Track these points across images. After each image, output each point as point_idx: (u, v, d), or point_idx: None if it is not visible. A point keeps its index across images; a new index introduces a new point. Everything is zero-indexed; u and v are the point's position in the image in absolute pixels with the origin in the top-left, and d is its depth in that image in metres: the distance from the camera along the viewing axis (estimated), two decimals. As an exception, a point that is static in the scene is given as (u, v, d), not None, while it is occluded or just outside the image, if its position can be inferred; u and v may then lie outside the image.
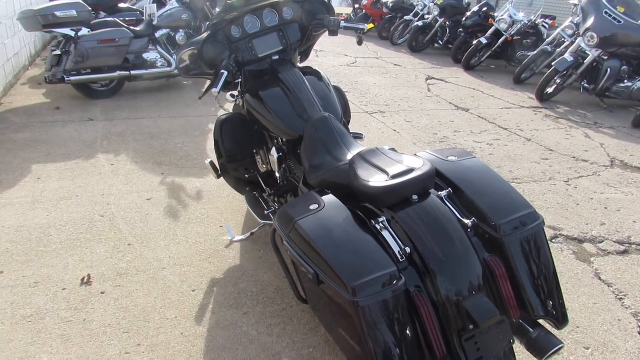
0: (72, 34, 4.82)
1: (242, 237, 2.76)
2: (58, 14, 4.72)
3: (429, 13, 9.13)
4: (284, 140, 2.37)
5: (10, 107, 4.91)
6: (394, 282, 1.41)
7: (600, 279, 2.63)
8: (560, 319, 1.65)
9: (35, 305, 2.22)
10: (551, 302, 1.62)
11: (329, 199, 1.70)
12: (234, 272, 2.54)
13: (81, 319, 2.15)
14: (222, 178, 2.80)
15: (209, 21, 2.46)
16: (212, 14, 2.58)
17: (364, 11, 11.56)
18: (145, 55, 5.38)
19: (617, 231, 3.13)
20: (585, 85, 6.20)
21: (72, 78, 4.92)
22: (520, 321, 1.64)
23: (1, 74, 5.20)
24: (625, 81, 5.91)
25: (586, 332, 2.23)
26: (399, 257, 1.53)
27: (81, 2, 4.92)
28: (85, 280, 2.40)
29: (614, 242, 3.01)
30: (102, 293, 2.32)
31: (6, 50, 5.44)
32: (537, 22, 7.83)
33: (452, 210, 1.66)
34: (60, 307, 2.22)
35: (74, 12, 4.79)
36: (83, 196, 3.20)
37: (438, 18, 8.92)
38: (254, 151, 2.74)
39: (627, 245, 2.98)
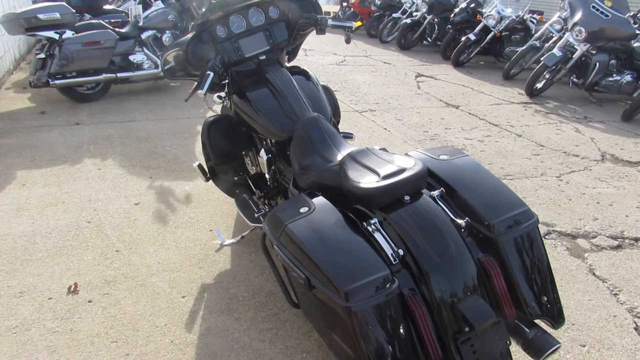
0: (56, 36, 4.74)
1: (233, 240, 2.72)
2: (41, 16, 4.63)
3: (417, 10, 9.13)
4: (273, 141, 2.33)
5: (-6, 112, 4.82)
6: (387, 285, 1.37)
7: (594, 274, 2.62)
8: (557, 318, 1.62)
9: (20, 315, 2.16)
10: (547, 302, 1.59)
11: (320, 201, 1.66)
12: (225, 276, 2.49)
13: (68, 329, 2.10)
14: (211, 181, 2.75)
15: (194, 21, 2.41)
16: (198, 14, 2.53)
17: (351, 9, 11.56)
18: (131, 57, 5.32)
19: (610, 226, 3.12)
20: (574, 79, 6.21)
21: (57, 81, 4.84)
22: (517, 321, 1.61)
23: (-16, 79, 5.11)
24: (614, 75, 5.94)
25: (582, 329, 2.21)
26: (392, 259, 1.49)
27: (64, 4, 4.85)
28: (71, 289, 2.34)
29: (607, 237, 3.00)
30: (90, 302, 2.27)
31: (-11, 54, 5.34)
32: (525, 18, 7.85)
33: (445, 210, 1.63)
34: (46, 317, 2.16)
35: (57, 15, 4.71)
36: (69, 202, 3.14)
37: (426, 15, 8.92)
38: (243, 153, 2.70)
39: (620, 239, 2.97)
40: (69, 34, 4.80)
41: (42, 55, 4.85)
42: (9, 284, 2.36)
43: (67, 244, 2.69)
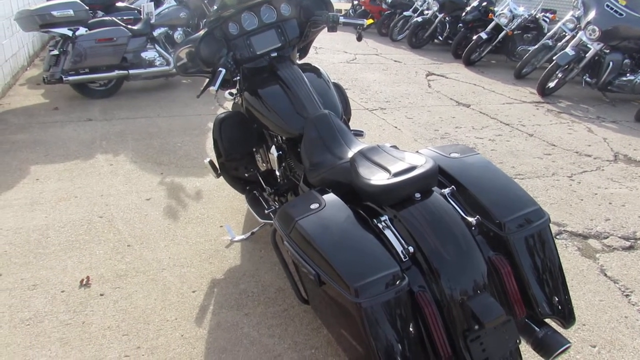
0: (70, 33, 4.79)
1: (243, 236, 2.73)
2: (55, 13, 4.68)
3: (428, 8, 9.09)
4: (284, 138, 2.34)
5: (9, 107, 4.88)
6: (397, 282, 1.37)
7: (605, 275, 2.60)
8: (567, 317, 1.61)
9: (33, 308, 2.19)
10: (557, 301, 1.59)
11: (330, 197, 1.66)
12: (235, 272, 2.51)
13: (80, 321, 2.13)
14: (221, 177, 2.77)
15: (206, 18, 2.43)
16: (210, 11, 2.54)
17: (362, 7, 11.52)
18: (143, 54, 5.35)
19: (622, 226, 3.10)
20: (587, 79, 6.15)
21: (70, 78, 4.89)
22: (527, 320, 1.61)
23: (-1, 75, 5.18)
24: (628, 74, 5.87)
25: (592, 330, 2.19)
26: (402, 256, 1.49)
27: (78, 1, 4.89)
28: (84, 282, 2.37)
29: (619, 237, 2.97)
30: (101, 295, 2.30)
31: (4, 50, 5.40)
32: (537, 16, 7.79)
33: (455, 208, 1.62)
34: (59, 309, 2.19)
35: (71, 12, 4.76)
36: (82, 197, 3.18)
37: (437, 13, 8.88)
38: (254, 150, 2.71)
39: (632, 240, 2.94)
40: (82, 31, 4.85)
41: (56, 52, 4.90)
42: (23, 276, 2.39)
43: (80, 238, 2.73)
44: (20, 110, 4.81)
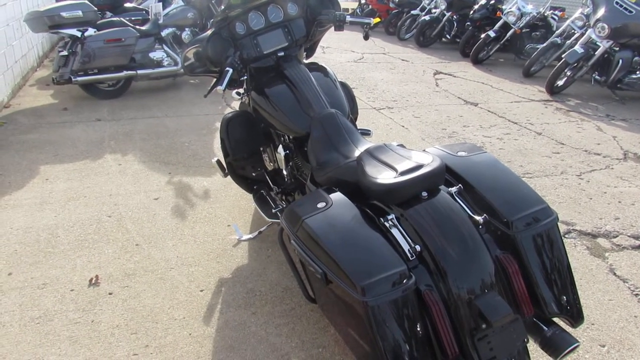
0: (79, 34, 4.83)
1: (250, 236, 2.74)
2: (64, 14, 4.73)
3: (435, 7, 9.05)
4: (291, 137, 2.34)
5: (19, 108, 4.93)
6: (404, 281, 1.37)
7: (615, 274, 2.58)
8: (576, 316, 1.60)
9: (43, 306, 2.21)
10: (566, 300, 1.58)
11: (337, 196, 1.66)
12: (242, 271, 2.52)
13: (89, 320, 2.14)
14: (229, 177, 2.78)
15: (213, 18, 2.44)
16: (217, 11, 2.55)
17: (370, 6, 11.51)
18: (151, 55, 5.38)
19: (632, 225, 3.07)
20: (597, 77, 6.10)
21: (79, 78, 4.93)
22: (534, 319, 1.60)
23: (9, 76, 5.22)
24: (637, 72, 5.81)
25: (602, 329, 2.18)
26: (409, 255, 1.49)
27: (87, 2, 4.94)
28: (93, 281, 2.39)
29: (629, 236, 2.95)
30: (110, 294, 2.31)
31: (14, 51, 5.46)
32: (546, 14, 7.73)
33: (462, 207, 1.62)
34: (69, 308, 2.21)
35: (80, 13, 4.80)
36: (91, 196, 3.20)
37: (445, 12, 8.84)
38: (261, 149, 2.71)
39: (642, 239, 2.92)
40: (91, 31, 4.89)
41: (65, 53, 4.94)
42: (33, 275, 2.42)
43: (89, 237, 2.75)
44: (30, 111, 4.86)
